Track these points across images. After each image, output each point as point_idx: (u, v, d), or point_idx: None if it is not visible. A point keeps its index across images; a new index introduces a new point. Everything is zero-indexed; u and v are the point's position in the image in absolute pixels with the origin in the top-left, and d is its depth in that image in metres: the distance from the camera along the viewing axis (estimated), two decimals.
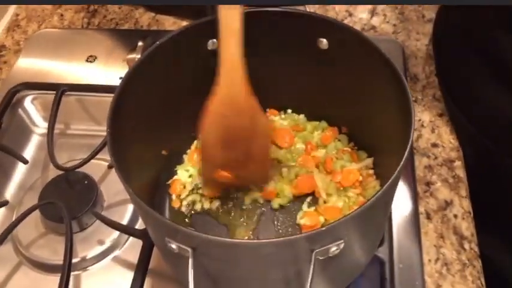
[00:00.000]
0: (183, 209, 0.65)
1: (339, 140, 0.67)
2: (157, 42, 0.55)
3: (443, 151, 0.72)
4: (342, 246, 0.43)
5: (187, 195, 0.65)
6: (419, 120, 0.75)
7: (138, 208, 0.49)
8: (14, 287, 0.67)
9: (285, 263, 0.43)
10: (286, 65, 0.61)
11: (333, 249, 0.42)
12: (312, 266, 0.41)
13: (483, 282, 0.60)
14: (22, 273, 0.68)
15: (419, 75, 0.80)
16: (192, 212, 0.65)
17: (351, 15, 0.90)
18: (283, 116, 0.69)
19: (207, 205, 0.65)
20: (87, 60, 0.86)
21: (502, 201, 0.73)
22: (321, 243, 0.41)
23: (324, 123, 0.69)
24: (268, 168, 0.61)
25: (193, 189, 0.66)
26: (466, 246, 0.63)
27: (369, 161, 0.64)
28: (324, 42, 0.58)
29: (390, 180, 0.42)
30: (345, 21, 0.89)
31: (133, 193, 0.44)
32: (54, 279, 0.63)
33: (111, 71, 0.84)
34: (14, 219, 0.69)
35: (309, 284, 0.40)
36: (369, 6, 0.90)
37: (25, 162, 0.73)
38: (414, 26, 0.87)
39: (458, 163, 0.70)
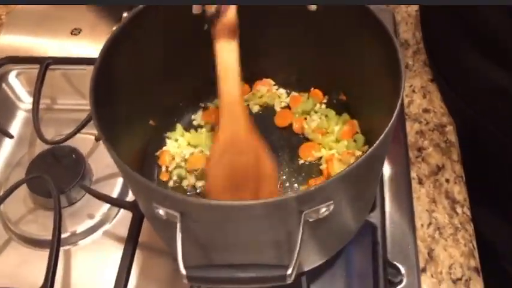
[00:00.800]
0: (171, 183, 0.64)
1: (355, 141, 0.63)
2: (141, 6, 0.53)
3: (434, 116, 0.71)
4: (331, 207, 0.42)
5: (175, 168, 0.64)
6: (411, 86, 0.74)
7: (125, 176, 0.48)
8: (4, 263, 0.66)
9: (273, 224, 0.42)
10: (276, 33, 0.60)
11: (323, 210, 0.41)
12: (301, 228, 0.40)
13: (475, 245, 0.60)
14: (12, 249, 0.67)
15: (409, 40, 0.79)
16: (179, 187, 0.64)
17: None
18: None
19: (192, 181, 0.64)
20: (72, 33, 0.84)
21: (491, 169, 0.73)
22: (310, 204, 0.40)
23: (346, 116, 0.65)
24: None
25: (181, 162, 0.65)
26: (459, 210, 0.63)
27: None
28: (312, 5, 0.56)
29: (380, 139, 0.41)
30: None
31: (120, 160, 0.43)
32: (45, 254, 0.62)
33: (96, 44, 0.82)
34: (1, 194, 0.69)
35: (298, 246, 0.39)
36: None
37: (10, 136, 0.72)
38: None
39: (450, 128, 0.70)
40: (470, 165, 0.68)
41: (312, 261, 0.53)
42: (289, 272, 0.39)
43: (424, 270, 0.58)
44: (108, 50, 0.51)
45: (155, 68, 0.59)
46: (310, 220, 0.42)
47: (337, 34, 0.57)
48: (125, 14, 0.81)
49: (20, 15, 0.88)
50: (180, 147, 0.66)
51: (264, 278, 0.39)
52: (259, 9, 0.56)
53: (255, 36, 0.58)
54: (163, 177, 0.64)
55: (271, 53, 0.65)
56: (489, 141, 0.71)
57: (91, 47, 0.82)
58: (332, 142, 0.63)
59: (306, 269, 0.54)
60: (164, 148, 0.66)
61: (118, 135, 0.51)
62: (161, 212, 0.42)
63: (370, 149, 0.41)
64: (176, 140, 0.67)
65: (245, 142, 0.51)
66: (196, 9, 0.54)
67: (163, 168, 0.65)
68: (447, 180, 0.65)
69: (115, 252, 0.63)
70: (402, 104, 0.67)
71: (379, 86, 0.53)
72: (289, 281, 0.39)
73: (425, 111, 0.72)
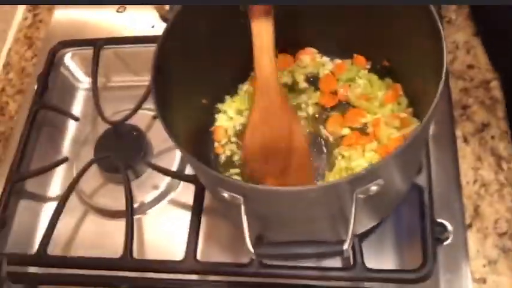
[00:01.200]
0: (223, 158, 0.68)
1: (399, 104, 0.65)
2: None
3: (479, 72, 0.71)
4: (381, 184, 0.46)
5: (226, 143, 0.68)
6: (454, 42, 0.74)
7: (188, 160, 0.52)
8: (85, 233, 0.75)
9: (328, 204, 0.46)
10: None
11: (373, 188, 0.45)
12: (353, 207, 0.44)
13: None
14: (89, 220, 0.75)
15: None
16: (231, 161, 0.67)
17: None
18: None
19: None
20: (117, 11, 0.88)
21: None
22: (361, 184, 0.44)
23: (389, 81, 0.67)
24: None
25: (233, 137, 0.68)
26: (504, 166, 0.65)
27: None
28: None
29: (424, 121, 0.44)
30: None
31: (180, 146, 0.47)
32: (118, 223, 0.70)
33: (142, 20, 0.86)
34: (74, 173, 0.76)
35: (352, 224, 0.43)
36: None
37: (76, 119, 0.78)
38: None
39: (494, 83, 0.70)
40: None
41: (364, 225, 0.57)
42: (345, 247, 0.43)
43: (470, 226, 0.62)
44: (164, 39, 0.55)
45: (205, 51, 0.62)
46: (362, 197, 0.46)
47: (377, 5, 0.58)
48: None
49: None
50: (231, 120, 0.70)
51: (323, 253, 0.44)
52: None
53: (295, 6, 0.60)
54: (218, 150, 0.69)
55: (312, 22, 0.66)
56: None
57: (137, 23, 0.86)
58: (377, 108, 0.66)
59: (359, 232, 0.58)
60: (216, 124, 0.70)
61: (174, 115, 0.55)
62: (225, 195, 0.47)
63: (417, 128, 0.44)
64: (225, 112, 0.70)
65: (278, 115, 0.55)
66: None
67: (216, 144, 0.69)
68: (492, 137, 0.67)
69: (182, 219, 0.69)
70: (447, 72, 0.68)
71: (421, 51, 0.55)
72: (346, 255, 0.44)
73: (469, 67, 0.72)
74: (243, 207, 0.46)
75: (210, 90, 0.68)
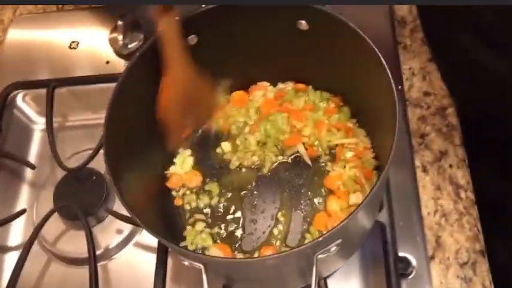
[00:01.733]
0: (186, 207, 0.67)
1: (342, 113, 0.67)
2: (137, 54, 0.55)
3: (435, 99, 0.72)
4: (340, 242, 0.46)
5: (185, 194, 0.68)
6: (410, 68, 0.75)
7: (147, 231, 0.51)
8: (49, 281, 0.73)
9: (290, 265, 0.47)
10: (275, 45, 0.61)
11: (333, 248, 0.45)
12: (314, 266, 0.45)
13: (479, 229, 0.64)
14: (53, 268, 0.73)
15: (406, 17, 0.79)
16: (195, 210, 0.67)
17: None
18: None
19: (206, 201, 0.67)
20: (70, 47, 0.85)
21: (491, 136, 0.75)
22: (320, 248, 0.44)
23: (326, 94, 0.69)
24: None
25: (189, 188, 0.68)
26: (462, 195, 0.66)
27: (365, 140, 0.65)
28: (303, 24, 0.57)
29: (379, 181, 0.44)
30: None
31: (140, 223, 0.47)
32: (84, 271, 0.68)
33: (96, 55, 0.84)
34: (34, 219, 0.74)
35: (314, 278, 0.43)
36: None
37: (32, 167, 0.76)
38: None
39: (450, 110, 0.71)
40: (470, 130, 0.71)
41: (329, 270, 0.58)
42: None
43: (432, 257, 0.63)
44: (113, 104, 0.54)
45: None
46: (323, 256, 0.46)
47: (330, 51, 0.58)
48: (119, 22, 0.81)
49: (17, 32, 0.88)
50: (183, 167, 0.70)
51: None
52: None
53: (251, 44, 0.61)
54: (178, 202, 0.68)
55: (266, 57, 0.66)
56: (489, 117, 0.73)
57: (91, 58, 0.83)
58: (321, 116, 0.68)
59: (325, 275, 0.59)
60: (171, 169, 0.69)
61: (127, 175, 0.55)
62: (186, 263, 0.47)
63: (370, 191, 0.45)
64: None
65: (182, 78, 0.60)
66: None
67: (174, 193, 0.68)
68: (450, 166, 0.68)
69: (149, 261, 0.68)
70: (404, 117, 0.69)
71: (377, 95, 0.55)
72: None
73: (426, 94, 0.73)
74: (203, 273, 0.46)
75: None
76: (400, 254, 0.62)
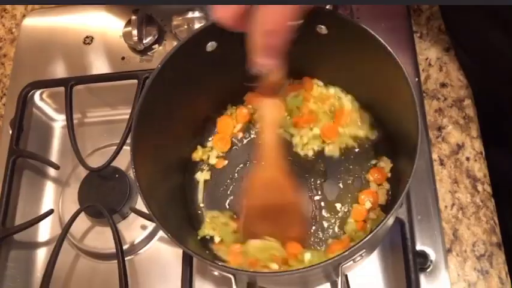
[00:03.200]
0: None
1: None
2: (158, 65, 0.56)
3: (452, 91, 0.72)
4: (364, 252, 0.48)
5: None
6: (427, 58, 0.75)
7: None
8: (77, 276, 0.76)
9: (316, 275, 0.49)
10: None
11: (358, 258, 0.47)
12: (340, 276, 0.47)
13: (496, 221, 0.66)
14: (82, 263, 0.76)
15: (422, 5, 0.78)
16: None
17: None
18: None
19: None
20: (84, 43, 0.85)
21: (508, 124, 0.76)
22: (345, 259, 0.46)
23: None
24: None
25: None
26: (479, 187, 0.67)
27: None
28: (323, 29, 0.57)
29: (398, 202, 0.45)
30: None
31: (165, 230, 0.49)
32: (112, 265, 0.71)
33: (111, 51, 0.84)
34: (60, 217, 0.76)
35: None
36: None
37: (57, 168, 0.77)
38: None
39: (468, 102, 0.72)
40: (486, 116, 0.71)
41: (350, 269, 0.60)
42: None
43: (449, 250, 0.65)
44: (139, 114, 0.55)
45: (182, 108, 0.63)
46: (348, 264, 0.48)
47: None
48: (133, 17, 0.81)
49: (30, 28, 0.88)
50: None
51: None
52: None
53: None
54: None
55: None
56: (505, 103, 0.73)
57: (106, 54, 0.84)
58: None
59: (347, 272, 0.61)
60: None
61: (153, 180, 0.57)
62: (215, 273, 0.49)
63: (388, 215, 0.46)
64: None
65: (277, 181, 0.58)
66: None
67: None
68: (467, 159, 0.69)
69: (174, 254, 0.71)
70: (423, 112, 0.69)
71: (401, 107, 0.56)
72: None
73: (443, 85, 0.73)
74: (233, 282, 0.48)
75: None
76: (419, 248, 0.64)
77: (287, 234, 0.58)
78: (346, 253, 0.44)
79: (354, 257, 0.46)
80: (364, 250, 0.47)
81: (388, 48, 0.53)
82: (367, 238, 0.45)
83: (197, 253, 0.48)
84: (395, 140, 0.62)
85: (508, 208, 0.73)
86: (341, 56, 0.59)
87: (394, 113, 0.57)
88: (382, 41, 0.54)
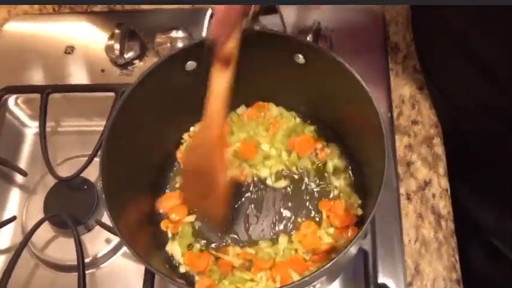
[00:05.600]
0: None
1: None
2: (137, 80, 0.56)
3: (423, 128, 0.74)
4: (324, 278, 0.48)
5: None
6: (400, 95, 0.77)
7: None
8: (36, 286, 0.74)
9: None
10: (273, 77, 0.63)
11: (318, 285, 0.48)
12: None
13: (457, 258, 0.67)
14: (41, 274, 0.75)
15: (400, 44, 0.80)
16: None
17: None
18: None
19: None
20: (65, 52, 0.85)
21: (473, 160, 0.78)
22: (305, 285, 0.46)
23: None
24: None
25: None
26: (443, 224, 0.69)
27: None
28: (300, 58, 0.58)
29: (363, 229, 0.46)
30: None
31: (130, 247, 0.49)
32: (71, 277, 0.70)
33: (91, 62, 0.84)
34: (23, 225, 0.75)
35: None
36: None
37: (24, 174, 0.76)
38: None
39: (437, 140, 0.74)
40: (454, 153, 0.74)
41: None
42: None
43: (410, 284, 0.66)
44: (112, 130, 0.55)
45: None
46: None
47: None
48: (116, 31, 0.82)
49: (12, 33, 0.88)
50: None
51: None
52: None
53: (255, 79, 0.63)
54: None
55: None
56: (474, 142, 0.75)
57: (86, 65, 0.84)
58: None
59: None
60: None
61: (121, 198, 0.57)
62: None
63: (357, 235, 0.47)
64: None
65: (211, 147, 0.61)
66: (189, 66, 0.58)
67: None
68: (433, 195, 0.70)
69: (136, 271, 0.70)
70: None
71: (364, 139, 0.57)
72: None
73: (414, 122, 0.75)
74: None
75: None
76: (380, 280, 0.65)
77: (209, 212, 0.65)
78: (307, 279, 0.45)
79: (314, 283, 0.47)
80: (324, 277, 0.47)
81: (362, 81, 0.55)
82: (327, 265, 0.45)
83: (159, 270, 0.47)
84: (363, 171, 0.63)
85: (471, 245, 0.75)
86: (314, 85, 0.61)
87: (363, 143, 0.59)
88: (357, 75, 0.55)
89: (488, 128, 0.71)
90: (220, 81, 0.57)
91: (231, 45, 0.55)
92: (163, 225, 0.69)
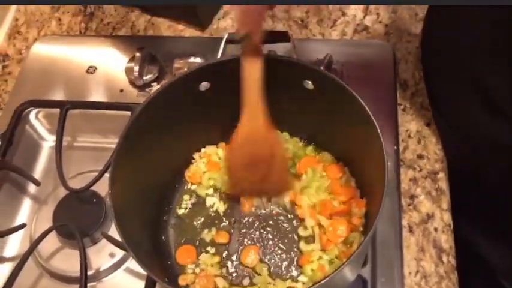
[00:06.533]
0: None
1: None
2: (151, 95, 0.59)
3: (428, 163, 0.76)
4: None
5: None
6: (407, 130, 0.78)
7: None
8: None
9: None
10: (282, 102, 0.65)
11: None
12: None
13: None
14: (44, 283, 0.76)
15: (409, 81, 0.83)
16: None
17: (344, 14, 0.91)
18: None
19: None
20: (87, 72, 0.89)
21: (479, 197, 0.79)
22: None
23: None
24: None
25: None
26: (444, 259, 0.69)
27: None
28: (309, 84, 0.61)
29: (362, 244, 0.47)
30: (338, 21, 0.90)
31: (143, 265, 0.50)
32: None
33: (111, 82, 0.88)
34: (31, 234, 0.77)
35: None
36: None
37: (37, 184, 0.79)
38: (407, 26, 0.88)
39: (441, 175, 0.74)
40: (458, 188, 0.74)
41: None
42: None
43: None
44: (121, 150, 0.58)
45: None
46: None
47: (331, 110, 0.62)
48: (137, 54, 0.85)
49: (39, 51, 0.93)
50: None
51: None
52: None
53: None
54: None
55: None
56: (481, 175, 0.76)
57: (106, 85, 0.87)
58: None
59: None
60: None
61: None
62: None
63: (354, 253, 0.47)
64: None
65: (263, 135, 0.61)
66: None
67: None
68: (436, 229, 0.71)
69: (137, 287, 0.71)
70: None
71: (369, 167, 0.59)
72: None
73: (420, 157, 0.76)
74: None
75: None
76: None
77: (270, 189, 0.65)
78: None
79: None
80: None
81: (368, 111, 0.57)
82: (321, 283, 0.46)
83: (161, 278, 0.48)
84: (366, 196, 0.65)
85: (474, 280, 0.75)
86: (319, 112, 0.63)
87: (366, 171, 0.60)
88: (365, 106, 0.57)
89: (497, 165, 0.72)
90: (253, 71, 0.58)
91: (259, 35, 0.57)
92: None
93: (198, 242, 0.71)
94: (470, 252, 0.81)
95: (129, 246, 0.54)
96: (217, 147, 0.75)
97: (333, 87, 0.58)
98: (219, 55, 0.63)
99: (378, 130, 0.53)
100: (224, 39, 0.64)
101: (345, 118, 0.62)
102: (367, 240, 0.48)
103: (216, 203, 0.73)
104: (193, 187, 0.74)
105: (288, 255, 0.68)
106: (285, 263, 0.68)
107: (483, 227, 0.83)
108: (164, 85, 0.60)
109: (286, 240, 0.69)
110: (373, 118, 0.54)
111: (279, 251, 0.69)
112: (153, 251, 0.67)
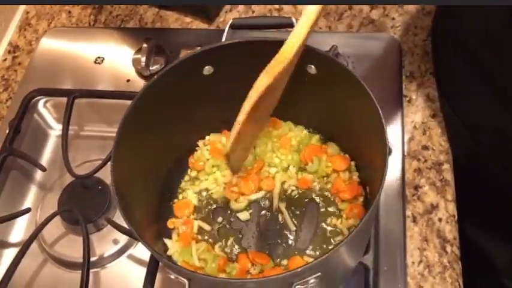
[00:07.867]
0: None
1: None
2: (155, 77, 0.59)
3: (433, 154, 0.75)
4: (320, 275, 0.48)
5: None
6: (412, 121, 0.78)
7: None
8: (40, 282, 0.75)
9: None
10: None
11: (312, 281, 0.48)
12: None
13: (461, 284, 0.66)
14: (47, 268, 0.76)
15: (415, 73, 0.82)
16: None
17: (350, 8, 0.91)
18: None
19: None
20: (95, 62, 0.90)
21: (485, 195, 0.78)
22: (298, 278, 0.47)
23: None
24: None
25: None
26: (448, 249, 0.68)
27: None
28: (312, 68, 0.61)
29: (364, 218, 0.47)
30: (345, 14, 0.90)
31: (138, 236, 0.50)
32: (76, 275, 0.71)
33: (118, 73, 0.89)
34: (36, 220, 0.77)
35: None
36: None
37: (43, 169, 0.80)
38: (413, 20, 0.88)
39: (446, 166, 0.74)
40: (465, 188, 0.73)
41: None
42: None
43: None
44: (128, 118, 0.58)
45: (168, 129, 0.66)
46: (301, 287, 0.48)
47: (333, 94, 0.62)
48: (144, 45, 0.86)
49: (48, 42, 0.94)
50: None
51: None
52: None
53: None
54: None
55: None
56: (488, 171, 0.75)
57: (113, 75, 0.88)
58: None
59: None
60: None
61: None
62: (172, 276, 0.50)
63: (355, 228, 0.47)
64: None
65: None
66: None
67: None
68: (440, 219, 0.70)
69: (139, 274, 0.71)
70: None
71: (371, 149, 0.58)
72: None
73: (425, 148, 0.76)
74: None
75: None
76: None
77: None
78: (299, 270, 0.45)
79: (307, 278, 0.47)
80: (319, 274, 0.47)
81: (371, 94, 0.57)
82: (320, 259, 0.45)
83: (157, 252, 0.48)
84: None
85: (477, 280, 0.74)
86: (322, 97, 0.63)
87: (368, 159, 0.60)
88: (367, 88, 0.57)
89: (505, 158, 0.71)
90: (307, 23, 0.55)
91: None
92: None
93: None
94: (474, 252, 0.80)
95: (132, 226, 0.54)
96: (221, 135, 0.75)
97: (336, 71, 0.58)
98: (223, 39, 0.63)
99: (378, 107, 0.53)
100: (228, 25, 0.65)
101: (348, 104, 0.61)
102: (369, 214, 0.47)
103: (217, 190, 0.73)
104: (196, 174, 0.74)
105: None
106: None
107: (488, 226, 0.83)
108: (166, 68, 0.60)
109: None
110: (373, 97, 0.54)
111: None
112: (157, 234, 0.67)
